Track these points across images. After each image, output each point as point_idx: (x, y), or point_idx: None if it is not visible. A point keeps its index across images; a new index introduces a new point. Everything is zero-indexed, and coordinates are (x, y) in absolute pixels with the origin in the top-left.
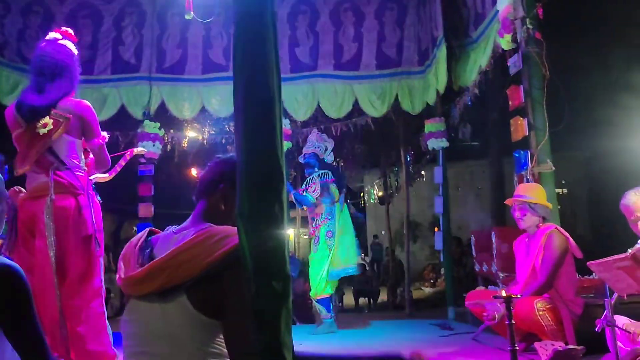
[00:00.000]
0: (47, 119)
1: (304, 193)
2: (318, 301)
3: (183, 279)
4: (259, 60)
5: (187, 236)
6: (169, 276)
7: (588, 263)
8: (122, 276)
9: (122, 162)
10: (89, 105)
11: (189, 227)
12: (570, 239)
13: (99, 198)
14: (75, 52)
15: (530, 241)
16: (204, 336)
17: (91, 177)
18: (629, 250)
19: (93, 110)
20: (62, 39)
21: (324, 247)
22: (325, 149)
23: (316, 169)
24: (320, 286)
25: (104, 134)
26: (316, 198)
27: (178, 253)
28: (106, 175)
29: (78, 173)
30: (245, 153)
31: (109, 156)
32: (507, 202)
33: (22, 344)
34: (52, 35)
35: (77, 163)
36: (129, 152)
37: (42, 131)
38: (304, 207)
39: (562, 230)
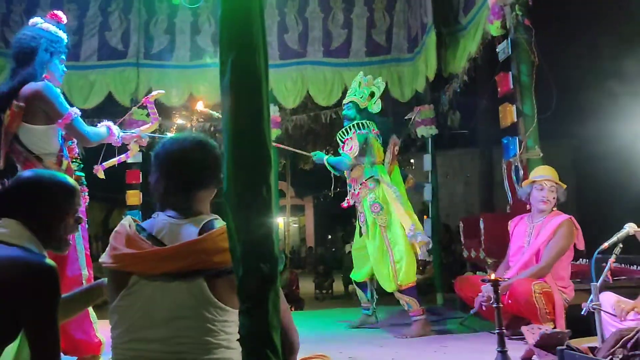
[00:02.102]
0: (8, 110)
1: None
2: (404, 292)
3: (212, 265)
4: (246, 40)
5: (201, 223)
6: (198, 259)
7: None
8: (135, 251)
9: (154, 117)
10: (42, 86)
11: (189, 215)
12: (580, 231)
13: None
14: (56, 33)
15: (536, 224)
16: (213, 323)
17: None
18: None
19: (49, 90)
20: (43, 22)
21: (374, 225)
22: (372, 95)
23: (355, 122)
24: (399, 274)
25: (74, 109)
26: (353, 158)
27: (214, 237)
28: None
29: (48, 160)
30: (231, 134)
31: (84, 131)
32: (545, 181)
33: (39, 344)
34: (32, 20)
35: (48, 150)
36: (147, 106)
37: (6, 122)
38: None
39: (576, 222)
